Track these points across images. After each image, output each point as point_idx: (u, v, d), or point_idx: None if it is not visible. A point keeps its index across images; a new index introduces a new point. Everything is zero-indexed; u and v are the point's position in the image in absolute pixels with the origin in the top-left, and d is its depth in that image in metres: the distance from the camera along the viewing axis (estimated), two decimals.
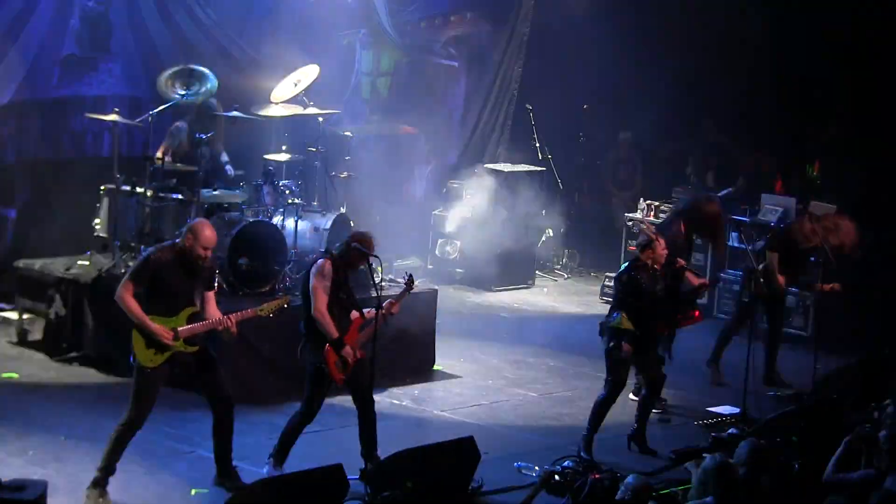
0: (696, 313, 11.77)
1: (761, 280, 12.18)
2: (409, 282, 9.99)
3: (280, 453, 9.58)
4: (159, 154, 12.45)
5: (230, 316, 9.12)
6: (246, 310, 9.26)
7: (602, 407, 10.52)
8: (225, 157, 12.94)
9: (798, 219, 12.74)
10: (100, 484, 8.92)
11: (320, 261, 9.49)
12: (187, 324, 8.99)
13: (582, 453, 10.34)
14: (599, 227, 17.55)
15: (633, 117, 17.18)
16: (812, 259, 12.63)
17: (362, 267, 9.68)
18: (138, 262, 9.22)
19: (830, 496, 8.36)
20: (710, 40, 15.92)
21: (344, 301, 9.51)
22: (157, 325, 8.90)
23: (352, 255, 9.51)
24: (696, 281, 12.02)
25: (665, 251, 10.58)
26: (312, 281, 9.41)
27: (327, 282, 9.36)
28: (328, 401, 10.76)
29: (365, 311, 9.59)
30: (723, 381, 12.57)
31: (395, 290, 10.63)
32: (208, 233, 9.08)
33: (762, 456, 8.28)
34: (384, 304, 9.58)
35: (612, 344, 10.45)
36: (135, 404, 9.01)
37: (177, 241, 9.13)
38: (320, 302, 9.34)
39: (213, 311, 9.20)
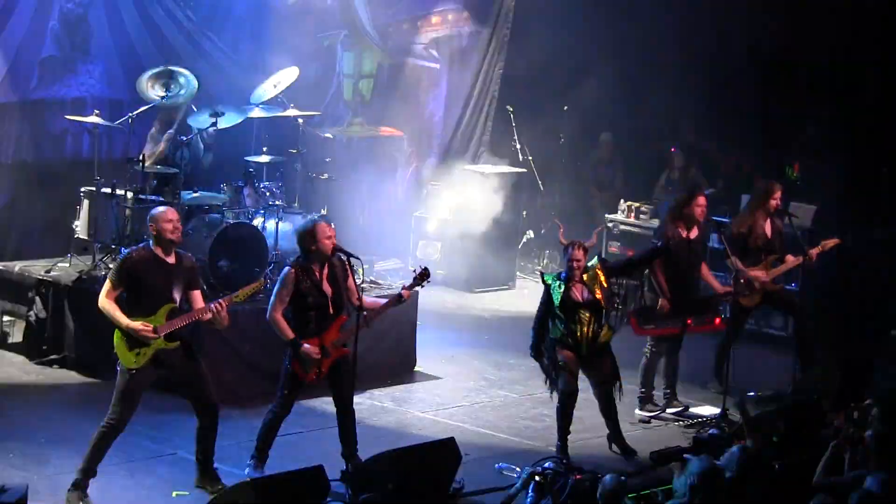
0: (718, 320, 11.57)
1: (741, 281, 12.07)
2: (424, 273, 9.92)
3: (260, 453, 9.60)
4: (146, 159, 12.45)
5: (219, 301, 9.14)
6: (221, 298, 9.30)
7: (560, 415, 10.46)
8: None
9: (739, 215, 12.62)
10: (80, 486, 8.91)
11: (284, 269, 9.66)
12: (167, 320, 8.99)
13: (558, 454, 10.37)
14: (580, 229, 17.49)
15: (615, 118, 17.19)
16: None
17: (334, 261, 9.69)
18: (115, 265, 9.27)
19: (818, 496, 8.37)
20: (692, 42, 15.95)
21: (321, 302, 9.54)
22: (137, 323, 8.90)
23: (307, 254, 9.57)
24: (719, 288, 11.76)
25: (581, 260, 10.44)
26: (275, 287, 9.65)
27: (285, 290, 9.48)
28: (309, 402, 10.80)
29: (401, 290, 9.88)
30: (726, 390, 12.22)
31: (380, 291, 10.67)
32: (162, 209, 9.20)
33: (754, 463, 8.31)
34: (402, 291, 9.83)
35: (549, 353, 10.47)
36: (117, 406, 9.00)
37: (149, 242, 9.14)
38: (273, 308, 9.52)
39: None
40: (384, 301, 9.88)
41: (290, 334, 9.47)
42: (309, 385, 9.73)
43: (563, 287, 10.41)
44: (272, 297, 9.57)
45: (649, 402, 11.69)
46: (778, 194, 12.32)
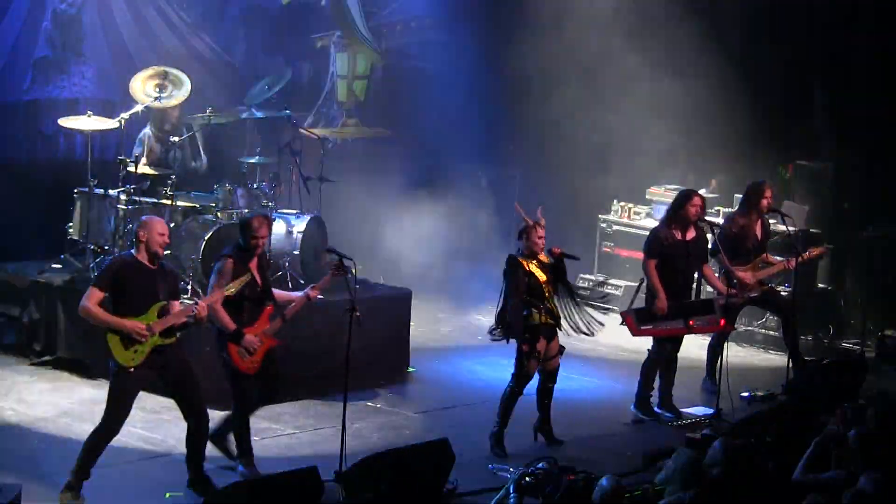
0: (722, 322, 11.55)
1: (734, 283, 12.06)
2: (339, 265, 9.75)
3: (243, 450, 9.61)
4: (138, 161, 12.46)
5: (200, 302, 9.19)
6: (213, 293, 9.36)
7: (509, 402, 10.56)
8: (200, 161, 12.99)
9: (732, 216, 12.60)
10: (73, 488, 8.90)
11: (220, 260, 9.62)
12: (159, 318, 9.00)
13: (494, 449, 10.50)
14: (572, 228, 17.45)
15: (608, 117, 17.16)
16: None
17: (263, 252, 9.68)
18: (99, 272, 9.34)
19: (810, 495, 8.39)
20: (684, 40, 15.93)
21: (254, 293, 9.57)
22: (129, 321, 8.90)
23: (247, 244, 9.59)
24: (721, 287, 11.72)
25: (541, 239, 10.49)
26: (210, 279, 9.62)
27: (224, 280, 9.44)
28: (303, 403, 10.81)
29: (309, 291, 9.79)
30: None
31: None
32: (156, 220, 9.22)
33: (736, 455, 8.31)
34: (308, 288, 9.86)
35: (526, 336, 10.45)
36: (111, 410, 9.01)
37: (132, 250, 9.17)
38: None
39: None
40: (297, 295, 9.89)
41: (233, 325, 9.46)
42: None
43: (533, 267, 10.48)
44: (209, 289, 9.56)
45: (646, 403, 11.68)
46: (769, 194, 12.33)
